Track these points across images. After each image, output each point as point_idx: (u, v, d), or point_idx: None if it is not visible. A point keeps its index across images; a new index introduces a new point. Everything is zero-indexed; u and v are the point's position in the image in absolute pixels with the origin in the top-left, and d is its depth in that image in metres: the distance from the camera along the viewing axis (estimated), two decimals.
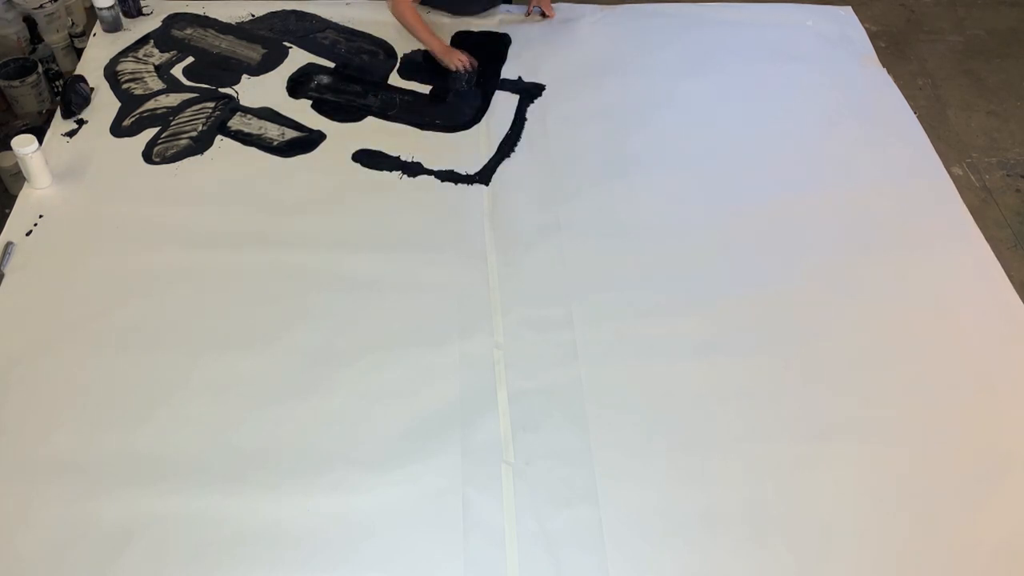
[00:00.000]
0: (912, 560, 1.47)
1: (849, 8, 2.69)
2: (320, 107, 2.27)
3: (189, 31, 2.48)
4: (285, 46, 2.46)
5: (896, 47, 2.71)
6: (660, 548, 1.47)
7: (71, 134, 2.16)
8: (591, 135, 2.23)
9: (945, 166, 2.19)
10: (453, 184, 2.09)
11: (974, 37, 2.79)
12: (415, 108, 2.29)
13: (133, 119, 2.21)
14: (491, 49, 2.48)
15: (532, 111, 2.30)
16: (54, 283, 1.82)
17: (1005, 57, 2.71)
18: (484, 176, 2.12)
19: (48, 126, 2.19)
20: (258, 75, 2.36)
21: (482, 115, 2.28)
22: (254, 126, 2.21)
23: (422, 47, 2.45)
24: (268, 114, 2.24)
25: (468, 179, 2.10)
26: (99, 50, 2.40)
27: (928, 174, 2.16)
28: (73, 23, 2.46)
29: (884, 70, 2.47)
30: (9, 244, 1.88)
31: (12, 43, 2.35)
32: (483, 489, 1.53)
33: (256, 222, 1.97)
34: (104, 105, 2.24)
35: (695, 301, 1.84)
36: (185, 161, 2.11)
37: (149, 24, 2.50)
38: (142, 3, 2.52)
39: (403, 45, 2.47)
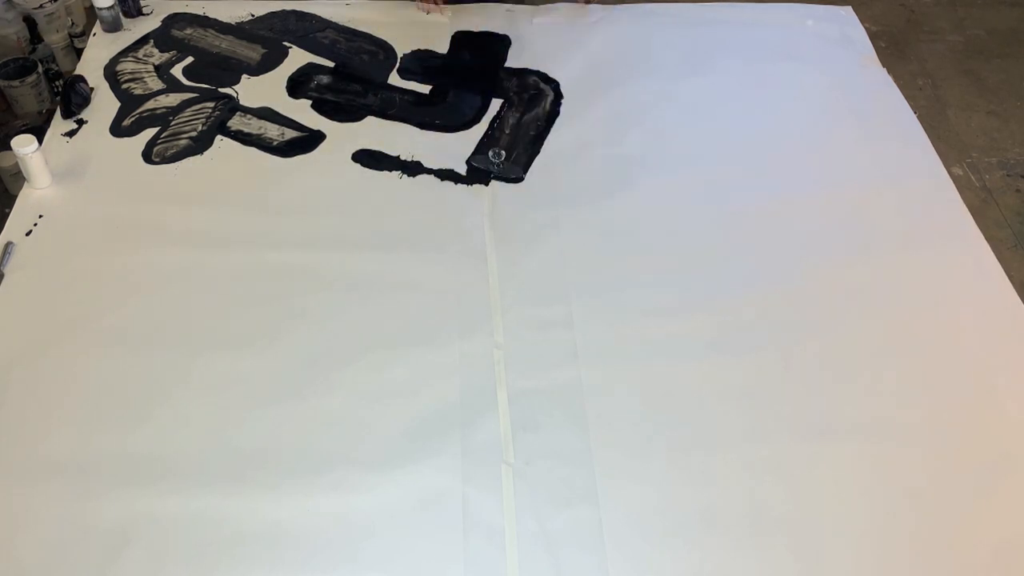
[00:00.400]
0: (912, 560, 1.47)
1: (849, 8, 2.69)
2: (320, 107, 2.27)
3: (189, 31, 2.48)
4: (285, 46, 2.46)
5: (896, 47, 2.71)
6: (660, 548, 1.47)
7: (71, 134, 2.16)
8: (591, 135, 2.23)
9: (945, 166, 2.18)
10: (453, 184, 2.09)
11: (974, 37, 2.79)
12: (415, 108, 2.29)
13: (133, 119, 2.21)
14: (491, 50, 2.48)
15: None
16: (54, 283, 1.82)
17: (1005, 57, 2.71)
18: (484, 176, 2.12)
19: (48, 126, 2.18)
20: (258, 75, 2.36)
21: (482, 115, 2.28)
22: (254, 126, 2.21)
23: (422, 47, 2.45)
24: (268, 114, 2.24)
25: (468, 179, 2.10)
26: (99, 50, 2.40)
27: (928, 174, 2.16)
28: (73, 23, 2.46)
29: (884, 70, 2.47)
30: (9, 244, 1.88)
31: (12, 43, 2.35)
32: (483, 489, 1.53)
33: (256, 222, 1.97)
34: (104, 105, 2.24)
35: (695, 301, 1.84)
36: (185, 161, 2.11)
37: (149, 24, 2.50)
38: (142, 3, 2.52)
39: (403, 45, 2.47)
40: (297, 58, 2.42)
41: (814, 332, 1.80)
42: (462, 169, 2.12)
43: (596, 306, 1.82)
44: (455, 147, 2.18)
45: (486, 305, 1.82)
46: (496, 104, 2.31)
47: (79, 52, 2.43)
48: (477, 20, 2.58)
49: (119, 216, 1.96)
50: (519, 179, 2.11)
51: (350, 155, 2.14)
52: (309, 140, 2.18)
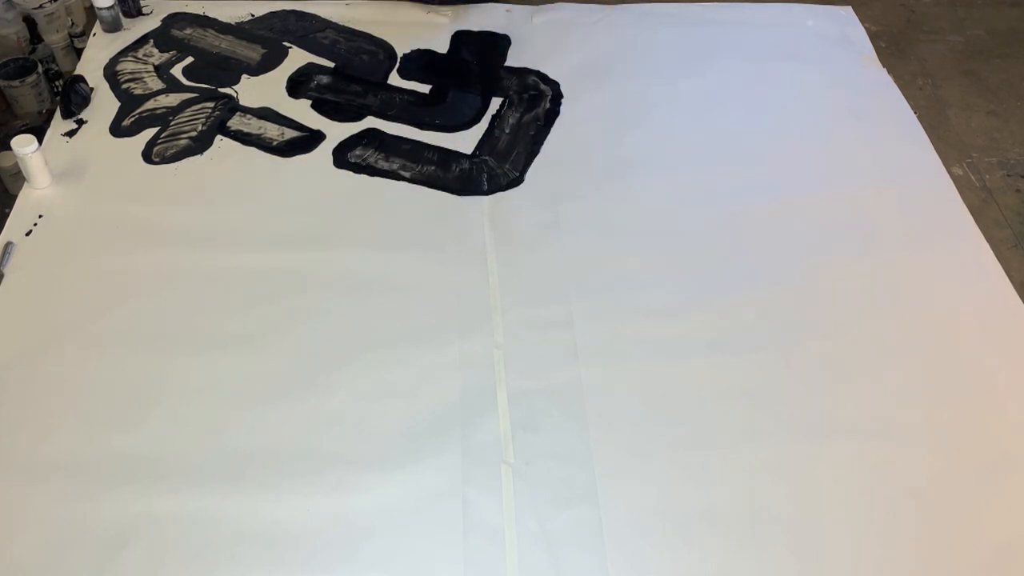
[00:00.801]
0: (912, 560, 1.47)
1: (849, 8, 2.69)
2: (320, 107, 2.27)
3: (189, 31, 2.48)
4: (285, 46, 2.46)
5: (896, 47, 2.71)
6: (660, 548, 1.47)
7: (71, 134, 2.16)
8: (591, 135, 2.23)
9: (945, 166, 2.19)
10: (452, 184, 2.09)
11: (974, 37, 2.79)
12: (415, 108, 2.29)
13: (133, 119, 2.21)
14: (491, 50, 2.48)
15: None
16: (54, 283, 1.82)
17: (1005, 57, 2.71)
18: (477, 186, 2.11)
19: (48, 126, 2.19)
20: (258, 75, 2.36)
21: (482, 115, 2.28)
22: (254, 126, 2.21)
23: (422, 47, 2.45)
24: (268, 114, 2.24)
25: (460, 190, 2.09)
26: (99, 50, 2.40)
27: (928, 174, 2.17)
28: (73, 23, 2.45)
29: (884, 70, 2.47)
30: (9, 244, 1.88)
31: (12, 43, 2.35)
32: (483, 489, 1.53)
33: (256, 222, 1.97)
34: (104, 105, 2.24)
35: (695, 301, 1.84)
36: (185, 161, 2.11)
37: (149, 24, 2.50)
38: (142, 3, 2.52)
39: (403, 45, 2.47)
40: (297, 58, 2.42)
41: (814, 332, 1.80)
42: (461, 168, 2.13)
43: (596, 306, 1.82)
44: (455, 147, 2.18)
45: (486, 305, 1.82)
46: (496, 104, 2.31)
47: (79, 52, 2.43)
48: (477, 20, 2.58)
49: (119, 216, 1.96)
50: (519, 180, 2.11)
51: (348, 155, 2.14)
52: (309, 140, 2.18)
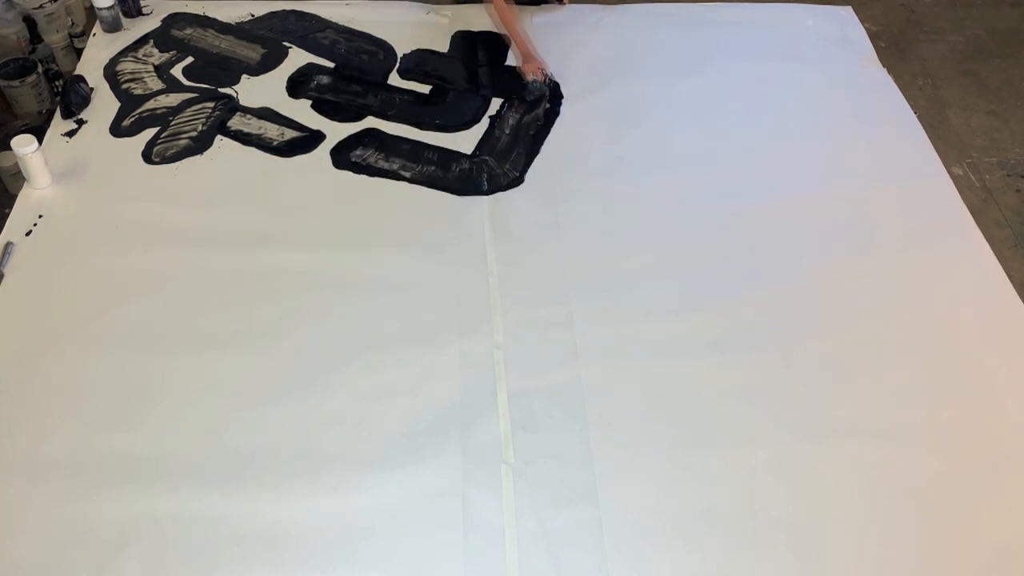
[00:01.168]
0: (912, 560, 1.47)
1: (849, 8, 2.69)
2: (320, 107, 2.27)
3: (189, 31, 2.48)
4: (285, 46, 2.46)
5: (896, 47, 2.71)
6: (660, 548, 1.47)
7: (71, 134, 2.16)
8: (591, 135, 2.23)
9: (945, 166, 2.19)
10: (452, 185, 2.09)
11: (974, 37, 2.79)
12: (415, 108, 2.29)
13: (133, 119, 2.21)
14: (491, 50, 2.48)
15: None
16: (54, 283, 1.82)
17: (1005, 57, 2.71)
18: (478, 186, 2.11)
19: (48, 126, 2.19)
20: (258, 75, 2.36)
21: (482, 115, 2.28)
22: (254, 126, 2.21)
23: (422, 47, 2.45)
24: (268, 114, 2.24)
25: (461, 190, 2.09)
26: (99, 50, 2.40)
27: (928, 174, 2.17)
28: (73, 23, 2.45)
29: (884, 70, 2.47)
30: (9, 244, 1.88)
31: (12, 43, 2.35)
32: (483, 489, 1.53)
33: (256, 222, 1.97)
34: (104, 105, 2.24)
35: (695, 301, 1.84)
36: (185, 161, 2.11)
37: (149, 24, 2.50)
38: (142, 3, 2.52)
39: (403, 45, 2.47)
40: (297, 58, 2.42)
41: (814, 332, 1.80)
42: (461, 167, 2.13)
43: (596, 306, 1.82)
44: (455, 147, 2.18)
45: (486, 305, 1.82)
46: (496, 104, 2.31)
47: (79, 52, 2.43)
48: (477, 20, 2.58)
49: (119, 216, 1.96)
50: (519, 180, 2.11)
51: (350, 155, 2.14)
52: (309, 140, 2.18)
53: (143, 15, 2.52)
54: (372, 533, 1.47)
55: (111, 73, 2.34)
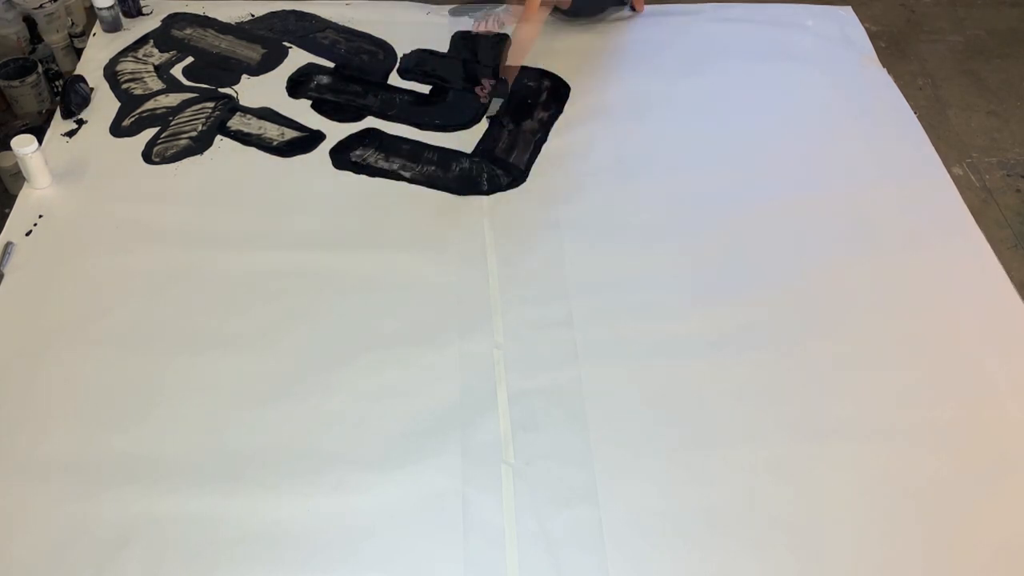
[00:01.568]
0: (913, 560, 1.47)
1: (849, 8, 2.69)
2: (320, 107, 2.27)
3: (189, 31, 2.48)
4: (285, 46, 2.46)
5: (896, 47, 2.71)
6: (660, 548, 1.47)
7: (71, 134, 2.16)
8: (591, 135, 2.23)
9: (945, 166, 2.19)
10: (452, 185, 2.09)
11: (974, 37, 2.79)
12: (415, 108, 2.29)
13: (133, 119, 2.21)
14: (491, 50, 2.48)
15: None
16: (54, 283, 1.82)
17: (1005, 57, 2.71)
18: (478, 185, 2.11)
19: (48, 126, 2.19)
20: (258, 75, 2.36)
21: (482, 115, 2.28)
22: (254, 126, 2.21)
23: (422, 47, 2.45)
24: (268, 114, 2.25)
25: (461, 190, 2.09)
26: (99, 50, 2.40)
27: (928, 174, 2.17)
28: (73, 23, 2.45)
29: (884, 70, 2.47)
30: (9, 244, 1.88)
31: (12, 43, 2.35)
32: (483, 489, 1.53)
33: (256, 222, 1.97)
34: (104, 105, 2.24)
35: (695, 301, 1.84)
36: (185, 161, 2.11)
37: (149, 24, 2.50)
38: (142, 3, 2.52)
39: (403, 45, 2.47)
40: (297, 58, 2.42)
41: (814, 332, 1.80)
42: (461, 167, 2.13)
43: (596, 306, 1.82)
44: (455, 147, 2.18)
45: (486, 305, 1.82)
46: (496, 104, 2.31)
47: (79, 52, 2.43)
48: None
49: (119, 216, 1.96)
50: (519, 180, 2.11)
51: (350, 155, 2.14)
52: (309, 140, 2.18)
53: (143, 15, 2.52)
54: (372, 533, 1.47)
55: (111, 73, 2.34)
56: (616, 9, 2.61)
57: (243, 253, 1.90)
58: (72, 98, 2.19)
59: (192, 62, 2.39)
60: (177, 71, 2.36)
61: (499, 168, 2.13)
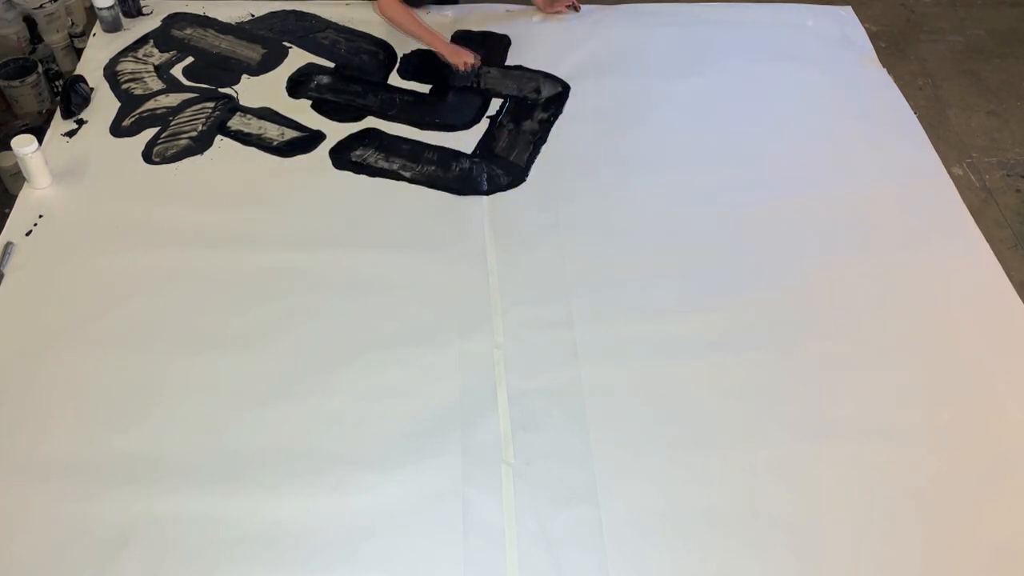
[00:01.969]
0: (912, 560, 1.47)
1: (849, 8, 2.69)
2: (320, 107, 2.27)
3: (189, 31, 2.48)
4: (285, 46, 2.46)
5: (896, 47, 2.71)
6: (660, 548, 1.47)
7: (71, 134, 2.16)
8: (591, 135, 2.23)
9: (945, 166, 2.18)
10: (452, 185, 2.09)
11: (974, 37, 2.79)
12: (415, 108, 2.29)
13: (133, 119, 2.21)
14: (491, 50, 2.48)
15: None
16: (54, 283, 1.82)
17: (1005, 57, 2.71)
18: (479, 184, 2.11)
19: (48, 126, 2.19)
20: (258, 75, 2.36)
21: (482, 115, 2.28)
22: (254, 126, 2.21)
23: (422, 47, 2.45)
24: (268, 114, 2.24)
25: (461, 190, 2.09)
26: (99, 50, 2.40)
27: (928, 174, 2.16)
28: (73, 23, 2.46)
29: (884, 70, 2.47)
30: (9, 244, 1.88)
31: (12, 43, 2.36)
32: (483, 489, 1.53)
33: (256, 222, 1.97)
34: (104, 105, 2.24)
35: (695, 301, 1.84)
36: (185, 161, 2.11)
37: (149, 24, 2.50)
38: (142, 3, 2.52)
39: (403, 45, 2.47)
40: (297, 58, 2.42)
41: (814, 332, 1.80)
42: (461, 167, 2.13)
43: (596, 306, 1.82)
44: (455, 147, 2.18)
45: (486, 305, 1.82)
46: (496, 104, 2.31)
47: (79, 52, 2.44)
48: (477, 20, 2.58)
49: (119, 216, 1.96)
50: (519, 180, 2.11)
51: (350, 155, 2.14)
52: (309, 140, 2.18)
53: (143, 15, 2.52)
54: (372, 533, 1.47)
55: (111, 73, 2.34)
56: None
57: (243, 253, 1.90)
58: (72, 98, 2.19)
59: (192, 62, 2.38)
60: (177, 71, 2.36)
61: (499, 168, 2.13)
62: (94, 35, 2.45)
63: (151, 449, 1.56)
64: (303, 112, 2.25)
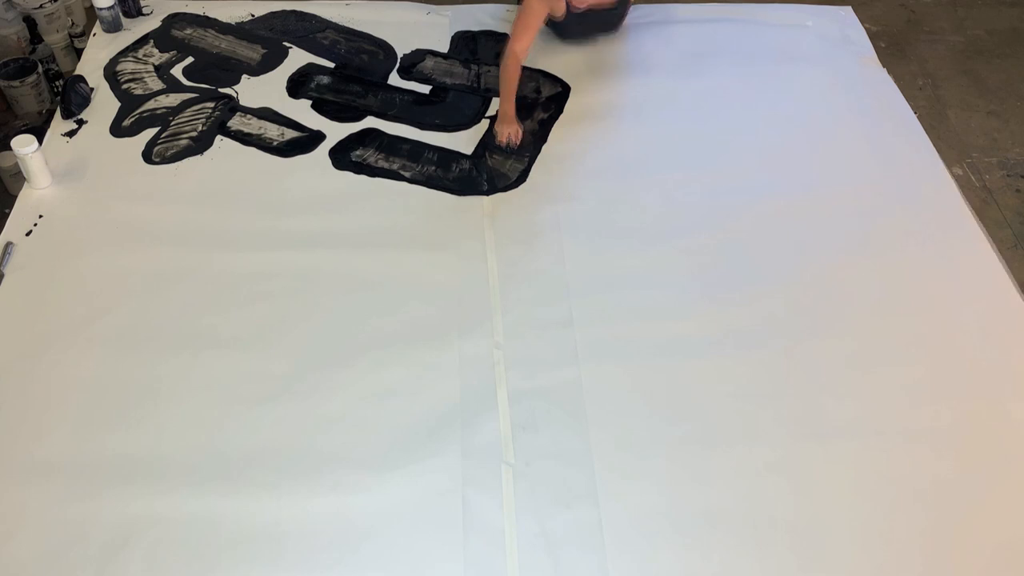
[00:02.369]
0: (912, 560, 1.47)
1: (849, 8, 2.69)
2: (320, 107, 2.27)
3: (189, 31, 2.48)
4: (285, 46, 2.46)
5: (896, 47, 2.71)
6: (660, 548, 1.46)
7: (71, 134, 2.16)
8: (591, 135, 2.23)
9: (945, 166, 2.19)
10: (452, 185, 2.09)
11: (974, 37, 2.79)
12: (415, 108, 2.29)
13: (133, 119, 2.21)
14: (491, 50, 2.48)
15: None
16: (54, 283, 1.82)
17: (1005, 57, 2.71)
18: (477, 185, 2.11)
19: (48, 126, 2.19)
20: (258, 75, 2.36)
21: (482, 115, 2.28)
22: (254, 126, 2.21)
23: (422, 47, 2.45)
24: (268, 114, 2.24)
25: (461, 190, 2.09)
26: (99, 50, 2.40)
27: (928, 174, 2.16)
28: (73, 23, 2.46)
29: (884, 70, 2.47)
30: (9, 244, 1.88)
31: (12, 43, 2.35)
32: (483, 489, 1.53)
33: (256, 222, 1.97)
34: (104, 105, 2.24)
35: (695, 301, 1.84)
36: (185, 161, 2.11)
37: (149, 24, 2.50)
38: (142, 3, 2.52)
39: (403, 45, 2.47)
40: (297, 58, 2.42)
41: (815, 332, 1.79)
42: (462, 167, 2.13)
43: (596, 306, 1.82)
44: (455, 147, 2.18)
45: (486, 305, 1.82)
46: (496, 104, 2.31)
47: (79, 52, 2.43)
48: (477, 20, 2.58)
49: (119, 216, 1.96)
50: (519, 180, 2.11)
51: (350, 155, 2.14)
52: (309, 140, 2.18)
53: (143, 15, 2.52)
54: (372, 533, 1.47)
55: (111, 73, 2.34)
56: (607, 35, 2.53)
57: (243, 253, 1.90)
58: (72, 98, 2.19)
59: (192, 62, 2.38)
60: (177, 71, 2.36)
61: (499, 168, 2.13)
62: (94, 35, 2.45)
63: (151, 449, 1.56)
64: (303, 112, 2.25)
